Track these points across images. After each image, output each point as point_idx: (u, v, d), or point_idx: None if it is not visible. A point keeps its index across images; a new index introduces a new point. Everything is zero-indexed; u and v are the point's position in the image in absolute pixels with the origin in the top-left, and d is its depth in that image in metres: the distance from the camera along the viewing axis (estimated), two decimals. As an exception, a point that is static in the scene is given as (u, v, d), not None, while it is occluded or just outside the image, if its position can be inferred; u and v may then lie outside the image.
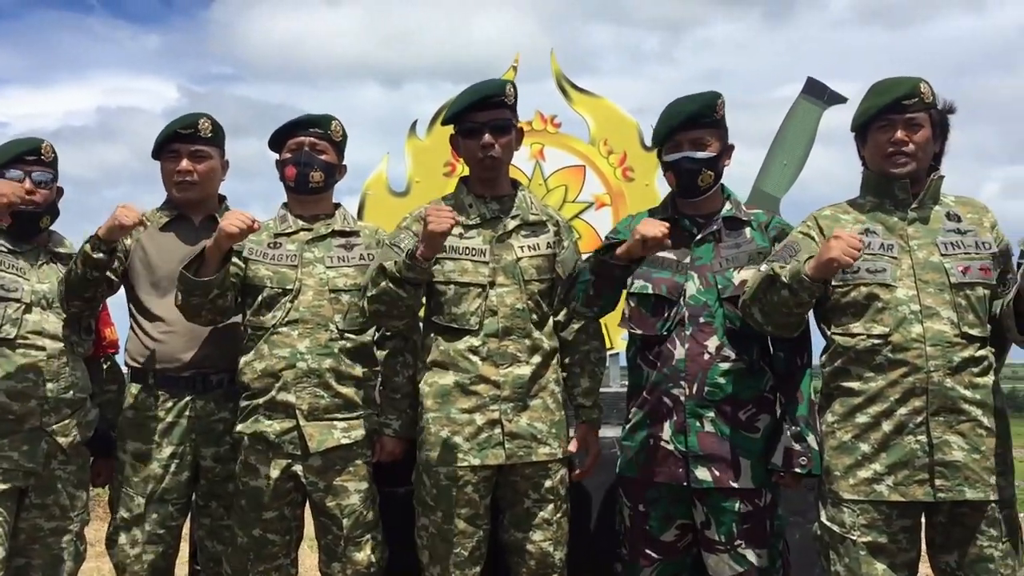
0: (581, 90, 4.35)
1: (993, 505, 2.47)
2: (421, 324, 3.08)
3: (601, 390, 3.12)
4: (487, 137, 2.89)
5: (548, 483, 2.89)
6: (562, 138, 4.34)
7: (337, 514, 2.97)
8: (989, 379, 2.53)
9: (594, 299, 2.78)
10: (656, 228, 2.54)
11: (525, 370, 2.88)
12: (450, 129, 3.04)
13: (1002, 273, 2.59)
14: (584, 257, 2.91)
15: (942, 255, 2.56)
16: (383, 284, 2.74)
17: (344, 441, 2.98)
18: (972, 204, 2.69)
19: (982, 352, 2.53)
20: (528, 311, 2.91)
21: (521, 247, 2.96)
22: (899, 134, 2.58)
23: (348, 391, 3.00)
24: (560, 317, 3.00)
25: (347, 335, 3.02)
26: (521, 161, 4.14)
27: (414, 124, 4.29)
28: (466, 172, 3.09)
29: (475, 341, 2.87)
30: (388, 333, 3.10)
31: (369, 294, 2.79)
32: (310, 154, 3.08)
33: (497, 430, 2.84)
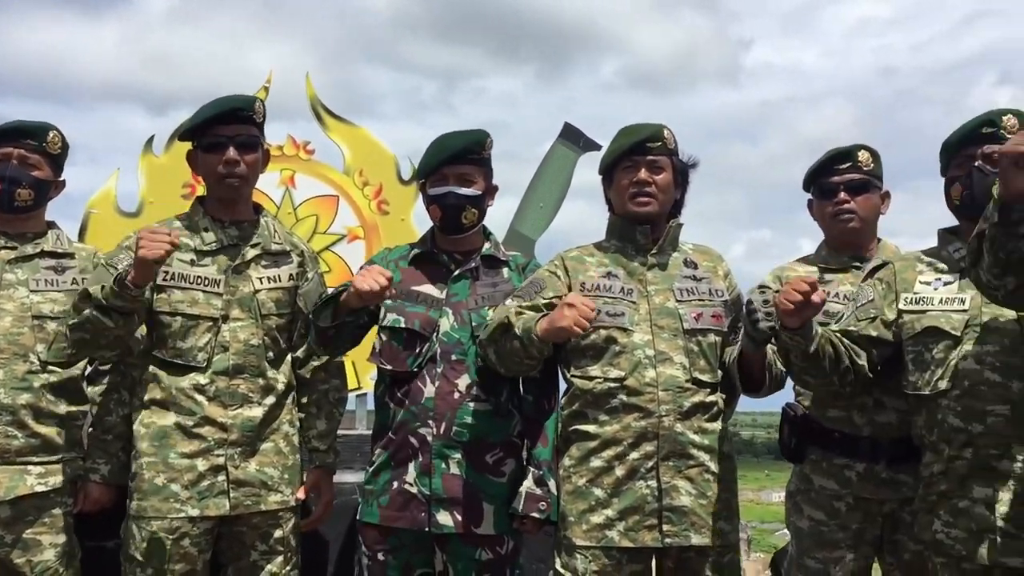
0: (337, 117, 4.22)
1: (718, 550, 2.52)
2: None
3: (346, 432, 2.98)
4: (231, 153, 2.69)
5: (278, 533, 2.71)
6: (315, 166, 4.19)
7: (27, 572, 2.63)
8: (718, 425, 2.59)
9: (320, 339, 2.68)
10: (372, 280, 2.47)
11: (256, 412, 2.69)
12: (190, 146, 2.80)
13: (733, 321, 2.68)
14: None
15: (677, 301, 2.62)
16: (86, 312, 2.48)
17: (39, 488, 2.65)
18: (708, 253, 2.78)
19: (712, 398, 2.59)
20: (264, 348, 2.72)
21: (260, 278, 2.77)
22: (642, 174, 2.62)
23: (48, 431, 2.67)
24: (300, 353, 2.83)
25: (51, 368, 2.70)
26: (270, 187, 3.94)
27: (150, 140, 3.99)
28: None
29: (202, 379, 2.65)
30: (103, 367, 2.79)
31: (71, 321, 2.52)
32: (18, 168, 2.74)
33: (221, 477, 2.63)
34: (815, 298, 2.30)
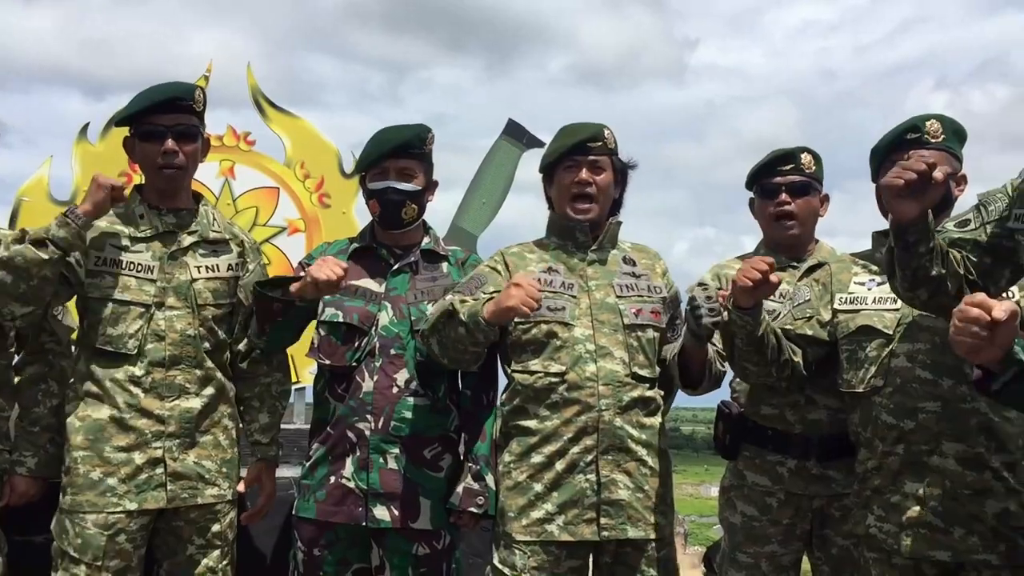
0: (279, 108, 4.17)
1: (653, 544, 2.55)
2: (74, 348, 2.72)
3: (284, 426, 2.97)
4: (169, 143, 2.64)
5: (215, 527, 2.67)
6: (255, 157, 4.13)
7: (-50, 568, 2.53)
8: (656, 420, 2.62)
9: (259, 332, 2.64)
10: (329, 271, 2.45)
11: (194, 403, 2.64)
12: (127, 133, 2.74)
13: (671, 318, 2.71)
14: None
15: (617, 296, 2.64)
16: (19, 246, 2.42)
17: None
18: (646, 251, 2.81)
19: (650, 393, 2.61)
20: (200, 338, 2.67)
21: (198, 267, 2.71)
22: (583, 174, 2.64)
23: None
24: (240, 347, 2.79)
25: None
26: (209, 178, 3.87)
27: (85, 127, 3.90)
28: None
29: (137, 370, 2.59)
30: (29, 356, 2.72)
31: None
32: None
33: (159, 470, 2.58)
34: (773, 278, 2.35)
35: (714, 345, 2.64)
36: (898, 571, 2.38)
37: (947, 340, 2.35)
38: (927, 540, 2.32)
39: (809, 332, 2.57)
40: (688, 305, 2.49)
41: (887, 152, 2.51)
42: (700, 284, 2.50)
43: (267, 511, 2.88)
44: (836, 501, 2.63)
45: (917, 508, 2.34)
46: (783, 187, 2.85)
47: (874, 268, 2.55)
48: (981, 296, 1.60)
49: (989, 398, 1.66)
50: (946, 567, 2.33)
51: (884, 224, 2.61)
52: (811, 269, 2.84)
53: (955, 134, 2.50)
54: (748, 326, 2.42)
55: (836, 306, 2.56)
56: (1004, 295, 2.31)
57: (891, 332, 2.44)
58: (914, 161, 2.09)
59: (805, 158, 2.86)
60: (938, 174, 2.04)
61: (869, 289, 2.48)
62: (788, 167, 2.86)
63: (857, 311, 2.52)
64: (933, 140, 2.44)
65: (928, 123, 2.46)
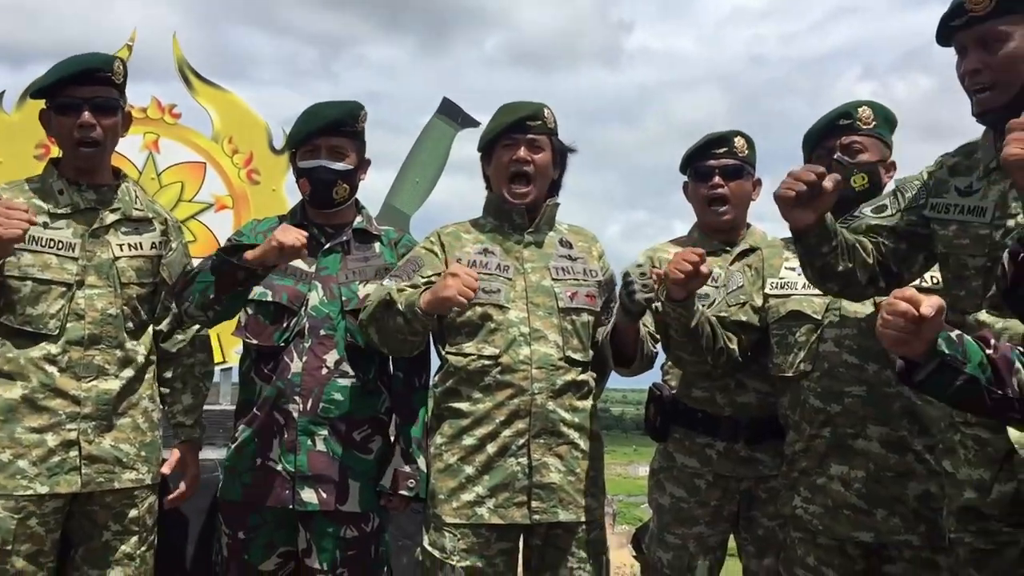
0: (206, 81, 4.06)
1: (584, 526, 2.55)
2: None
3: (209, 407, 2.91)
4: (86, 116, 2.54)
5: (133, 512, 2.60)
6: (181, 130, 4.02)
7: None
8: (588, 403, 2.62)
9: (212, 303, 2.51)
10: (295, 236, 2.39)
11: (113, 384, 2.57)
12: (43, 105, 2.63)
13: (606, 301, 2.71)
14: (208, 256, 2.64)
15: (553, 279, 2.63)
16: None
17: None
18: (583, 233, 2.80)
19: (583, 376, 2.61)
20: (122, 317, 2.60)
21: (120, 245, 2.63)
22: (522, 152, 2.61)
23: None
24: (163, 326, 2.72)
25: None
26: (132, 151, 3.75)
27: (0, 95, 3.72)
28: None
29: (53, 348, 2.50)
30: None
31: None
32: None
33: (73, 453, 2.50)
34: (704, 269, 2.36)
35: (646, 326, 2.65)
36: (823, 551, 2.43)
37: (873, 325, 2.42)
38: (851, 521, 2.37)
39: (743, 318, 2.60)
40: (622, 281, 2.50)
41: (820, 138, 2.55)
42: (637, 266, 2.52)
43: (191, 494, 2.82)
44: (763, 483, 2.67)
45: (842, 490, 2.39)
46: (716, 170, 2.86)
47: None
48: (911, 291, 1.64)
49: (912, 388, 1.71)
50: (869, 547, 2.39)
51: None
52: (744, 253, 2.87)
53: (886, 121, 2.56)
54: (682, 318, 2.44)
55: (767, 291, 2.60)
56: (922, 281, 2.37)
57: (819, 317, 2.48)
58: (803, 171, 2.13)
59: (738, 142, 2.88)
60: (827, 183, 2.09)
61: (799, 274, 2.52)
62: (722, 150, 2.87)
63: (788, 296, 2.56)
64: (864, 126, 2.49)
65: (860, 109, 2.51)
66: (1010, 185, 1.97)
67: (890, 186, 2.47)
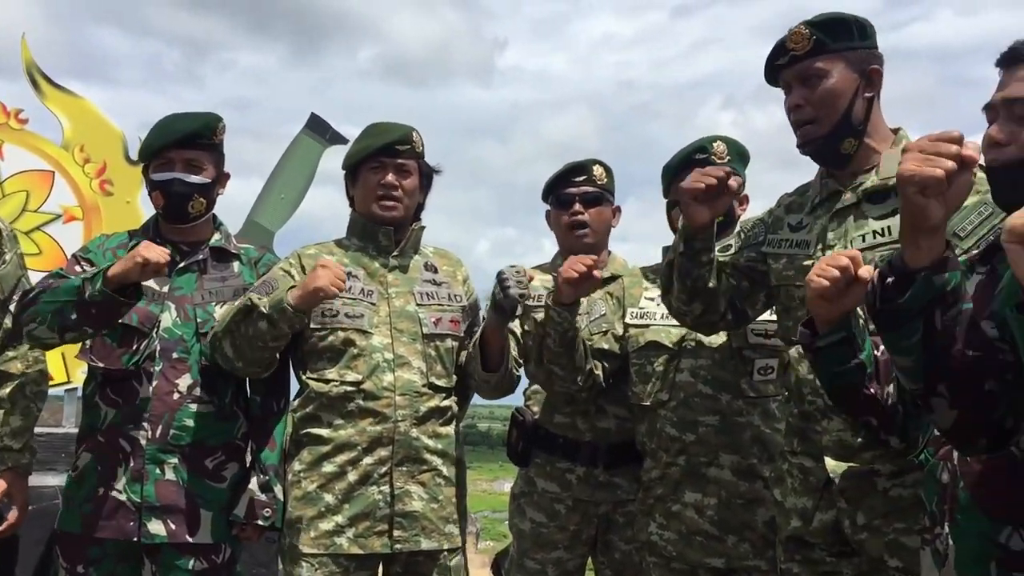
0: (57, 86, 3.87)
1: (446, 553, 2.53)
2: None
3: (50, 430, 2.74)
4: None
5: None
6: (28, 137, 3.81)
7: None
8: (451, 429, 2.60)
9: (73, 326, 2.36)
10: (160, 252, 2.30)
11: None
12: None
13: (469, 326, 2.71)
14: (53, 272, 2.50)
15: (417, 305, 2.61)
16: None
17: None
18: (448, 257, 2.79)
19: (447, 402, 2.60)
20: None
21: None
22: (390, 177, 2.59)
23: None
24: None
25: None
26: (-29, 157, 3.53)
27: None
28: None
29: None
30: None
31: None
32: None
33: None
34: (596, 274, 2.40)
35: (511, 352, 2.65)
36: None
37: (726, 356, 2.50)
38: (703, 548, 2.45)
39: (605, 346, 2.65)
40: (497, 279, 2.50)
41: (677, 170, 2.63)
42: (511, 265, 2.53)
43: (19, 525, 2.62)
44: (621, 507, 2.72)
45: (695, 517, 2.46)
46: (576, 197, 2.91)
47: None
48: (855, 251, 1.62)
49: (809, 355, 1.70)
50: (720, 572, 2.46)
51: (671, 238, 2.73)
52: (606, 281, 2.92)
53: (739, 155, 2.66)
54: (565, 323, 2.46)
55: (628, 320, 2.66)
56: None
57: (676, 348, 2.55)
58: (713, 168, 2.20)
59: (597, 170, 2.95)
60: (732, 183, 2.16)
61: (658, 305, 2.58)
62: (581, 178, 2.92)
63: (647, 326, 2.62)
64: (719, 160, 2.58)
65: (715, 144, 2.61)
66: (830, 219, 2.09)
67: (738, 226, 2.57)
